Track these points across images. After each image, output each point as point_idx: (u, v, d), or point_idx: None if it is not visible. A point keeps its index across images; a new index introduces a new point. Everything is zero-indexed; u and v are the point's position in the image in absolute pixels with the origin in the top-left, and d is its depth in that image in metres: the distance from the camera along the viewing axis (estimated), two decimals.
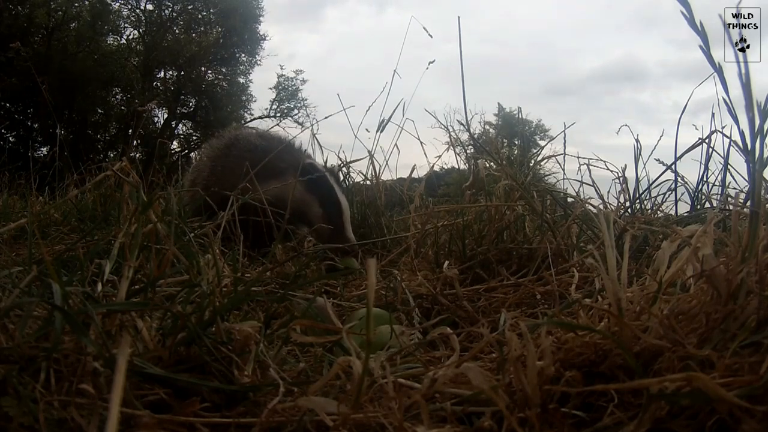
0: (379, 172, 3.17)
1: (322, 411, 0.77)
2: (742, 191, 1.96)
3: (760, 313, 0.80)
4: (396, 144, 3.19)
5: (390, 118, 3.02)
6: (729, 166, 2.09)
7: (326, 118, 3.12)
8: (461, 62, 2.15)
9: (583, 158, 2.23)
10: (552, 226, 1.84)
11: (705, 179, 2.20)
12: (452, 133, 3.39)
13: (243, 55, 22.56)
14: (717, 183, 2.17)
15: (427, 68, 3.11)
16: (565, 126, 2.56)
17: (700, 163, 2.18)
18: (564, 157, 2.45)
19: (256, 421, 0.79)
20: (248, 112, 23.43)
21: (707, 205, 2.16)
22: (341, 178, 3.18)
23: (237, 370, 0.92)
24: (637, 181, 2.24)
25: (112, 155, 19.31)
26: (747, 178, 1.07)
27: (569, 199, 2.29)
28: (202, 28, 21.84)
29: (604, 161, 2.24)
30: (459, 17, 2.27)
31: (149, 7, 21.24)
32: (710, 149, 2.15)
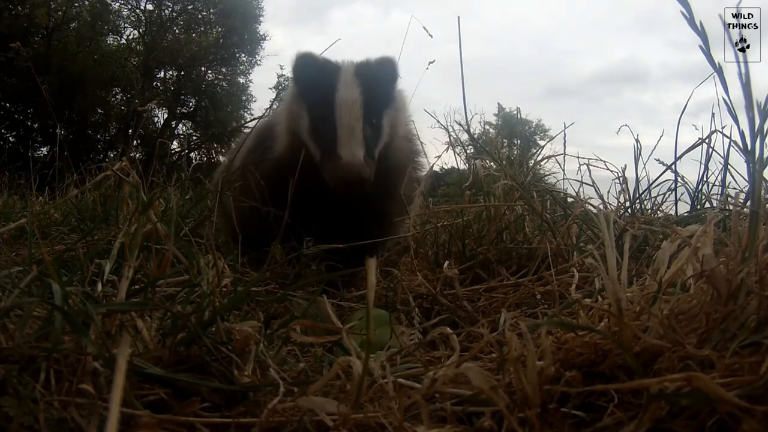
0: None
1: (322, 411, 0.77)
2: (742, 191, 1.97)
3: (760, 313, 0.80)
4: None
5: None
6: (729, 166, 2.09)
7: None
8: (461, 63, 2.15)
9: (583, 158, 2.24)
10: (552, 226, 1.84)
11: (705, 179, 2.20)
12: (452, 133, 3.38)
13: (243, 55, 22.57)
14: (717, 183, 2.18)
15: (427, 68, 3.10)
16: (564, 126, 2.56)
17: (700, 163, 2.19)
18: (564, 157, 2.45)
19: (256, 421, 0.79)
20: (248, 112, 23.41)
21: (707, 205, 2.16)
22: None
23: (237, 370, 0.92)
24: (637, 181, 2.24)
25: (112, 155, 19.31)
26: (747, 178, 1.07)
27: (569, 199, 2.29)
28: (202, 28, 21.85)
29: (604, 161, 2.24)
30: (459, 18, 2.28)
31: (149, 7, 21.25)
32: (710, 149, 2.15)
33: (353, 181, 1.76)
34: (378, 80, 2.00)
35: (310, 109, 1.93)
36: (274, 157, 2.08)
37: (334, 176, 1.77)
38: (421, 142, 2.53)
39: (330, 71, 1.95)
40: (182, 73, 21.76)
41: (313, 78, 1.97)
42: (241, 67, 22.85)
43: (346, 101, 1.85)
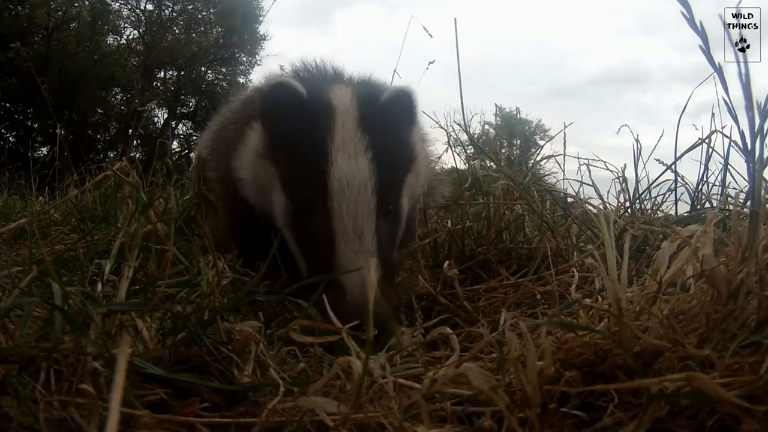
0: None
1: (322, 411, 0.77)
2: (742, 191, 1.96)
3: (760, 313, 0.80)
4: None
5: None
6: (729, 166, 2.09)
7: None
8: (458, 63, 2.15)
9: (583, 158, 2.23)
10: (552, 226, 1.83)
11: (705, 179, 2.20)
12: (452, 134, 3.38)
13: (243, 55, 22.55)
14: (717, 183, 2.17)
15: (427, 68, 3.10)
16: (564, 125, 2.56)
17: (700, 163, 2.18)
18: (564, 157, 2.45)
19: (256, 421, 0.79)
20: None
21: (707, 205, 2.16)
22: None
23: (237, 370, 0.92)
24: (637, 181, 2.24)
25: (112, 155, 19.30)
26: (747, 178, 1.07)
27: (569, 199, 2.29)
28: (202, 28, 21.83)
29: (604, 161, 2.24)
30: (455, 19, 2.27)
31: (149, 7, 21.23)
32: (710, 149, 2.15)
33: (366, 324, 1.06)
34: (393, 130, 1.38)
35: (287, 183, 1.29)
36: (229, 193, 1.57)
37: (338, 313, 1.04)
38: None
39: (320, 116, 1.29)
40: (182, 73, 21.75)
41: (292, 125, 1.31)
42: (241, 67, 22.83)
43: (350, 184, 1.20)
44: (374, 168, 1.27)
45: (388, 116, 1.39)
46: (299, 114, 1.33)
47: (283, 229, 1.35)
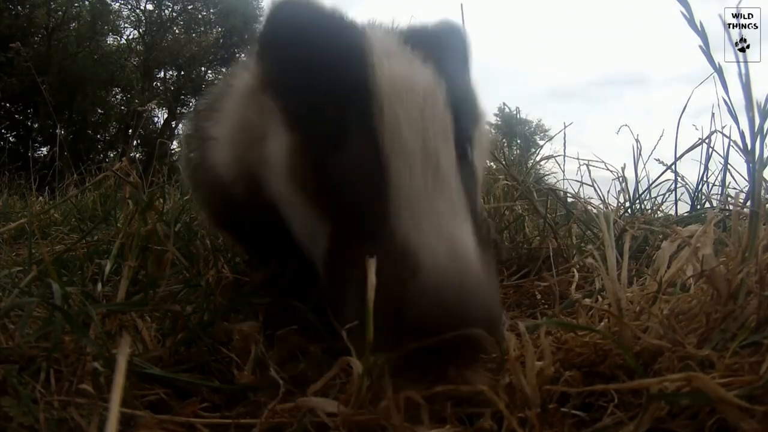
0: None
1: (322, 411, 0.77)
2: (742, 191, 1.96)
3: (760, 313, 0.80)
4: None
5: None
6: (729, 166, 2.09)
7: None
8: None
9: (583, 159, 2.23)
10: (553, 226, 1.83)
11: (705, 179, 2.20)
12: None
13: (243, 55, 22.58)
14: (717, 183, 2.17)
15: None
16: (564, 125, 2.56)
17: (700, 163, 2.18)
18: (564, 157, 2.45)
19: (256, 422, 0.79)
20: None
21: (707, 205, 2.16)
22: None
23: (237, 370, 0.92)
24: (637, 181, 2.24)
25: (112, 155, 19.31)
26: (747, 178, 1.07)
27: (569, 199, 2.29)
28: (202, 28, 21.86)
29: (604, 161, 2.24)
30: (462, 5, 2.20)
31: (149, 7, 21.27)
32: (710, 149, 2.15)
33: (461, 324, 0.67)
34: (452, 61, 0.95)
35: (296, 113, 0.87)
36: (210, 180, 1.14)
37: (400, 312, 0.71)
38: None
39: (348, 28, 0.95)
40: (182, 73, 21.77)
41: (307, 47, 0.90)
42: None
43: (409, 87, 0.81)
44: (442, 78, 0.86)
45: (443, 45, 0.97)
46: (318, 34, 0.92)
47: (283, 187, 0.90)
